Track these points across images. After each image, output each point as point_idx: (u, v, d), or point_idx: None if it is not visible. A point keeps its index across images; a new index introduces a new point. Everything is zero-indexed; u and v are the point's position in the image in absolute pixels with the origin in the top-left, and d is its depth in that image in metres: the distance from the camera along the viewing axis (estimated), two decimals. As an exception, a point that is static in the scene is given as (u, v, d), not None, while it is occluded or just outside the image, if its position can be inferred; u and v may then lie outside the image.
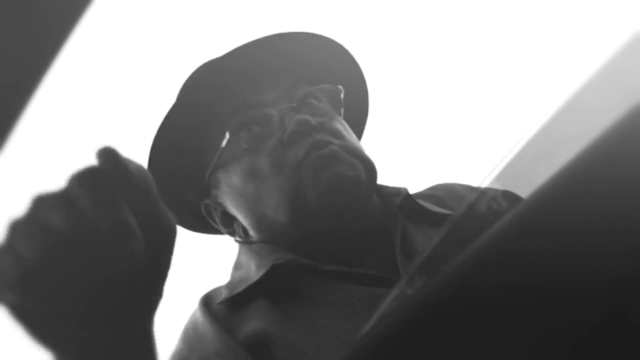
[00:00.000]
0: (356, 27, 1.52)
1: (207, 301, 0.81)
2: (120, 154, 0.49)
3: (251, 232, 0.87)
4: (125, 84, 1.45)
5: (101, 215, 0.47)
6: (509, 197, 0.85)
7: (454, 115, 1.53)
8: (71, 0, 0.51)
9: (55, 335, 0.49)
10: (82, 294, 0.47)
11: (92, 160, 0.49)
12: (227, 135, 0.83)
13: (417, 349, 0.38)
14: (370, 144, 1.01)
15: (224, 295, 0.80)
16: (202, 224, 0.95)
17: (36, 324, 0.48)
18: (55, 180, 0.49)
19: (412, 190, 0.94)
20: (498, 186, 0.91)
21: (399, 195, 0.87)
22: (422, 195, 0.96)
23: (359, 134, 1.02)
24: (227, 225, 0.90)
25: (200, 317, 0.78)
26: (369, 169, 0.83)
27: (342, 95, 0.90)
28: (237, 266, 0.87)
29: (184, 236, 0.98)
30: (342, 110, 0.91)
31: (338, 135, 0.83)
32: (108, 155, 0.49)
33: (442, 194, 0.95)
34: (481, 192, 0.80)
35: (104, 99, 1.43)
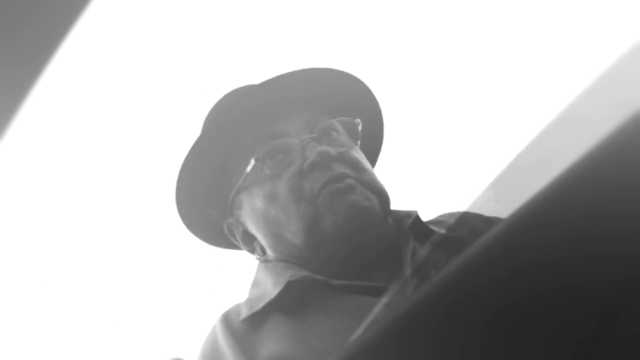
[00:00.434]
0: (354, 29, 1.53)
1: (227, 318, 0.87)
2: None
3: (269, 251, 0.94)
4: (125, 84, 1.45)
5: None
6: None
7: (449, 124, 1.53)
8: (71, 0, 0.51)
9: None
10: None
11: None
12: (253, 161, 0.91)
13: (405, 350, 0.38)
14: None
15: (244, 313, 0.86)
16: (224, 241, 1.03)
17: None
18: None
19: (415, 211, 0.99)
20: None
21: (409, 218, 0.93)
22: (433, 221, 1.01)
23: (374, 160, 1.09)
24: (247, 243, 0.97)
25: (220, 335, 0.84)
26: (383, 199, 0.90)
27: (359, 128, 0.97)
28: (255, 284, 0.93)
29: (203, 251, 1.06)
30: (359, 142, 0.98)
31: (355, 166, 0.90)
32: None
33: (452, 220, 0.99)
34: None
35: (103, 99, 1.43)
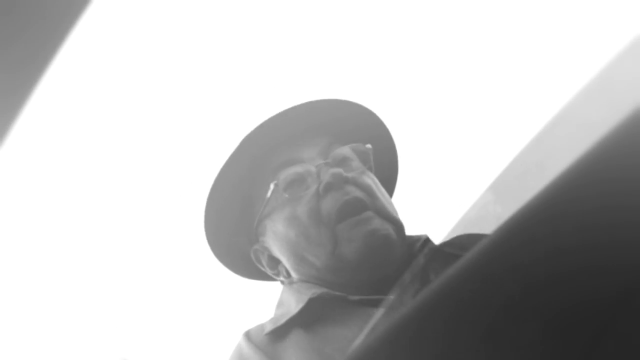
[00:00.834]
0: (354, 30, 1.53)
1: (250, 334, 0.92)
2: None
3: (292, 273, 1.00)
4: (125, 84, 1.45)
5: None
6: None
7: (447, 126, 1.54)
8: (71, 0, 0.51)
9: None
10: None
11: None
12: (272, 186, 0.98)
13: (405, 353, 0.39)
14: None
15: (268, 328, 0.92)
16: (250, 269, 1.09)
17: None
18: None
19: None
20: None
21: (419, 241, 0.99)
22: (447, 243, 1.06)
23: (391, 188, 1.14)
24: (273, 267, 1.03)
25: (245, 347, 0.90)
26: (398, 227, 0.96)
27: (370, 153, 1.03)
28: (280, 304, 0.99)
29: (231, 281, 1.13)
30: (372, 166, 1.03)
31: (368, 190, 0.96)
32: None
33: (465, 239, 1.01)
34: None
35: (103, 99, 1.43)
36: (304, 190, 0.96)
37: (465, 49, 1.51)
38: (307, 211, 0.94)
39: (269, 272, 1.04)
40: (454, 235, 1.06)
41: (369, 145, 1.03)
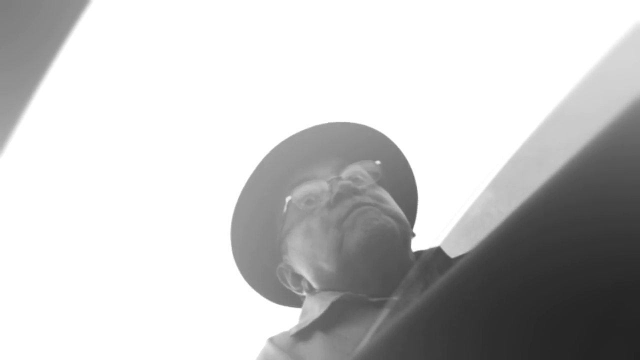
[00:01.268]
0: (354, 30, 1.53)
1: (275, 339, 0.96)
2: None
3: (314, 285, 1.03)
4: (124, 84, 1.45)
5: None
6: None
7: (445, 124, 1.54)
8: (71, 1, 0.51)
9: None
10: None
11: None
12: (287, 200, 1.03)
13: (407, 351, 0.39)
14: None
15: (293, 331, 0.96)
16: (279, 292, 1.13)
17: None
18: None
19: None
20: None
21: (431, 251, 1.02)
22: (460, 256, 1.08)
23: (413, 217, 1.17)
24: (296, 284, 1.07)
25: (270, 350, 0.94)
26: (401, 223, 0.99)
27: (380, 170, 1.08)
28: (303, 313, 1.02)
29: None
30: (384, 182, 1.08)
31: (378, 199, 1.00)
32: None
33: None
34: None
35: (102, 99, 1.43)
36: (317, 203, 1.02)
37: (461, 47, 1.51)
38: (319, 221, 0.99)
39: (293, 289, 1.07)
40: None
41: (378, 162, 1.08)
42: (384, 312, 0.86)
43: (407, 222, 1.02)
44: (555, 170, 0.39)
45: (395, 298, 0.91)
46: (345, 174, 1.04)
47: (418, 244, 1.07)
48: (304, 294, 1.06)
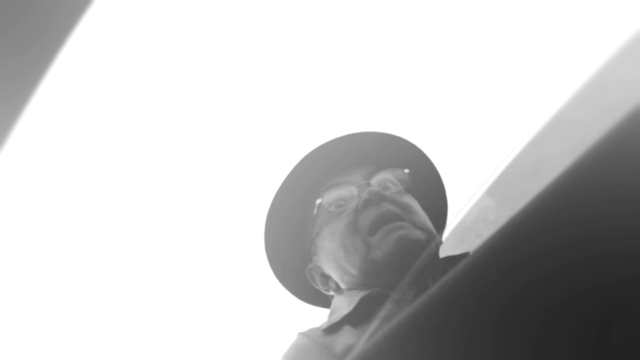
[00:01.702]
0: (353, 31, 1.54)
1: (305, 332, 1.00)
2: None
3: (341, 285, 1.07)
4: (124, 84, 1.45)
5: None
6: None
7: (443, 132, 1.54)
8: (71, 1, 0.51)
9: None
10: None
11: None
12: (317, 203, 1.08)
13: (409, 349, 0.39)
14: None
15: (324, 325, 1.00)
16: (309, 292, 1.17)
17: None
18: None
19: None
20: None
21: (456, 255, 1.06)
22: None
23: (441, 224, 1.19)
24: (324, 284, 1.11)
25: (301, 340, 0.98)
26: (430, 235, 1.02)
27: (408, 178, 1.12)
28: (332, 311, 1.05)
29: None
30: (412, 189, 1.11)
31: (405, 208, 1.03)
32: None
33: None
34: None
35: (102, 99, 1.43)
36: (345, 206, 1.06)
37: (460, 54, 1.51)
38: (345, 224, 1.04)
39: (322, 289, 1.11)
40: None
41: (407, 170, 1.12)
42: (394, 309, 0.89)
43: (433, 231, 1.05)
44: (554, 176, 0.39)
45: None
46: (374, 180, 1.08)
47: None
48: (332, 293, 1.10)
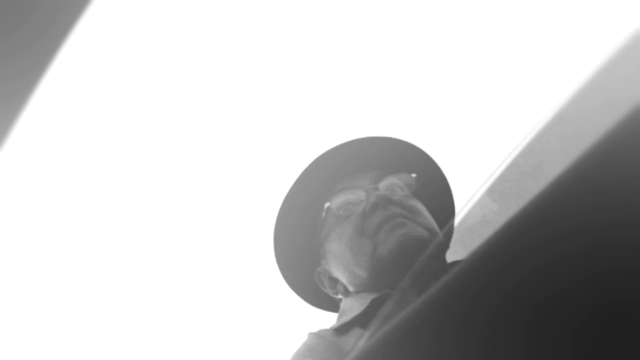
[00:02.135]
0: (353, 31, 1.54)
1: (316, 332, 1.03)
2: None
3: (349, 287, 1.08)
4: (124, 84, 1.45)
5: None
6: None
7: (443, 132, 1.54)
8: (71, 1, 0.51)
9: None
10: None
11: None
12: (325, 207, 1.10)
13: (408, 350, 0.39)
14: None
15: (335, 325, 1.02)
16: (319, 296, 1.18)
17: None
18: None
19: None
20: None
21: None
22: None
23: (449, 228, 1.21)
24: (332, 287, 1.12)
25: (312, 339, 1.00)
26: (434, 235, 1.04)
27: (415, 182, 1.13)
28: (342, 313, 1.06)
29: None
30: (418, 193, 1.13)
31: (412, 210, 1.05)
32: None
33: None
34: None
35: (102, 99, 1.43)
36: (353, 210, 1.08)
37: (460, 54, 1.52)
38: (353, 227, 1.05)
39: (330, 292, 1.13)
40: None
41: (414, 175, 1.13)
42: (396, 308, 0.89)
43: (439, 232, 1.06)
44: (554, 176, 0.39)
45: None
46: (382, 184, 1.09)
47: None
48: (340, 296, 1.11)
